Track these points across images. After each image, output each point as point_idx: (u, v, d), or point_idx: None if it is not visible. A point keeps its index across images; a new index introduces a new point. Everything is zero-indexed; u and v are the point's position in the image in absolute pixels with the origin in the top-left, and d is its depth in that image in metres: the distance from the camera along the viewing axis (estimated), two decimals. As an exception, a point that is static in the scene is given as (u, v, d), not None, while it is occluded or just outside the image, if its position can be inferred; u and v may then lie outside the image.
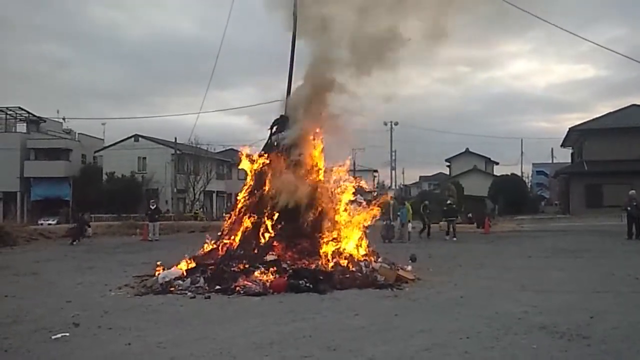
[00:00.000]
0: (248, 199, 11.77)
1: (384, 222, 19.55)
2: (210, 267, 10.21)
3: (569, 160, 48.45)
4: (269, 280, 9.40)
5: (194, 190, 49.08)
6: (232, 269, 9.94)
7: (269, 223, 10.98)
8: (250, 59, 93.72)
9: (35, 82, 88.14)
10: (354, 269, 10.22)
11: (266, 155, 11.88)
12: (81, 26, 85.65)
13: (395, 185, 58.10)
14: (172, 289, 9.50)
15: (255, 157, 12.16)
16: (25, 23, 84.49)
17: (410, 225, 21.23)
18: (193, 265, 10.53)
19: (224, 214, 34.29)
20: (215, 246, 11.42)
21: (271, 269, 9.74)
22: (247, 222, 11.24)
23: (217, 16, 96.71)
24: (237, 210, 11.91)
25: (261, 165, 11.84)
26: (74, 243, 20.72)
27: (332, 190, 11.88)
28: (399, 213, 21.07)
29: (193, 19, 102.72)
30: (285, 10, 12.26)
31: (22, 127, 50.59)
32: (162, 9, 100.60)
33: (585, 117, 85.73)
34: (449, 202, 22.96)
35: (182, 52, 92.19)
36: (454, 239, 20.60)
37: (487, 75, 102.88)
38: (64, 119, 49.70)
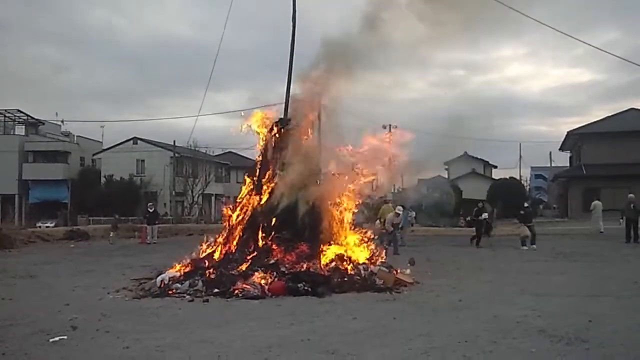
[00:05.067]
0: (248, 200, 11.74)
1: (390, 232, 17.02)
2: (208, 270, 10.19)
3: (567, 164, 48.47)
4: (268, 284, 9.39)
5: (192, 193, 48.96)
6: (231, 272, 9.93)
7: (267, 226, 10.96)
8: (248, 62, 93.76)
9: (33, 85, 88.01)
10: (352, 272, 10.20)
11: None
12: (80, 29, 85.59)
13: (394, 189, 57.73)
14: (170, 292, 9.48)
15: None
16: (24, 26, 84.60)
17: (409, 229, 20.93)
18: (191, 268, 10.52)
19: (222, 211, 34.09)
20: (214, 249, 11.40)
21: (270, 272, 9.73)
22: (246, 225, 11.23)
23: (215, 19, 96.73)
24: (237, 212, 11.87)
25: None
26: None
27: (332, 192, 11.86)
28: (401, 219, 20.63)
29: (191, 22, 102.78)
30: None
31: (20, 130, 50.41)
32: (160, 12, 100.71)
33: (582, 121, 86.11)
34: (526, 205, 20.29)
35: (180, 55, 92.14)
36: (533, 246, 17.62)
37: (483, 79, 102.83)
38: (62, 121, 49.79)
